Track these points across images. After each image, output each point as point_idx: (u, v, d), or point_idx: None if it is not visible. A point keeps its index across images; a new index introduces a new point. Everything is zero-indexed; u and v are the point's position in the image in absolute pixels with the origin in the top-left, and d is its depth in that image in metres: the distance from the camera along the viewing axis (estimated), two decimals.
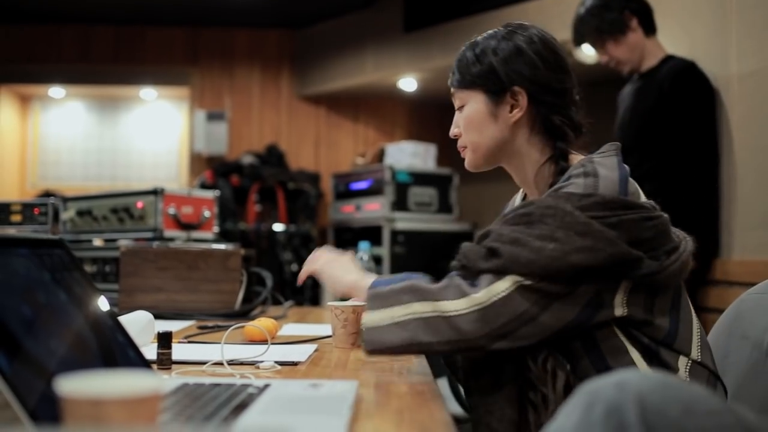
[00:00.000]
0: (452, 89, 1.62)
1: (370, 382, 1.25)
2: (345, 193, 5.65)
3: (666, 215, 1.41)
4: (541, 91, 1.51)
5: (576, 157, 1.53)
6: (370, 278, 1.48)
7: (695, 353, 1.39)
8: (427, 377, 1.32)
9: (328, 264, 1.61)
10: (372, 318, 1.35)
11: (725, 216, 2.88)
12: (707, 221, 2.89)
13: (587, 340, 1.35)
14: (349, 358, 1.55)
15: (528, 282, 1.28)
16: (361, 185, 5.49)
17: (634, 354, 1.35)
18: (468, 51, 1.59)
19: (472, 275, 1.35)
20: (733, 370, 1.48)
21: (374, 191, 5.35)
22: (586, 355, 1.35)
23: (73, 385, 0.61)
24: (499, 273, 1.31)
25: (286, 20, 6.15)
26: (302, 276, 1.65)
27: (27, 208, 2.86)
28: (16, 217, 2.85)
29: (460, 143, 1.62)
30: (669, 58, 2.99)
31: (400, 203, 5.28)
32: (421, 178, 5.40)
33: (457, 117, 1.61)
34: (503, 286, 1.29)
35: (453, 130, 1.62)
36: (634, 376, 0.83)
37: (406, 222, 5.25)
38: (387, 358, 1.47)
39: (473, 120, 1.56)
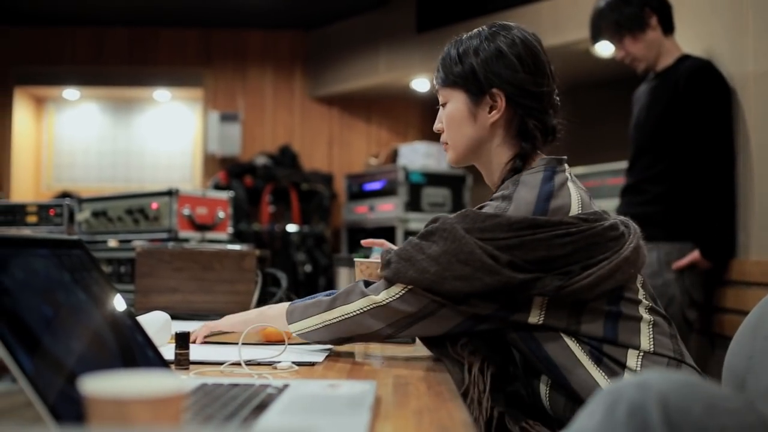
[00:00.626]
0: (436, 86, 1.66)
1: (388, 383, 1.25)
2: (358, 194, 5.65)
3: (597, 227, 1.42)
4: (519, 94, 1.54)
5: (536, 162, 1.56)
6: (282, 306, 1.64)
7: (646, 345, 1.42)
8: (445, 377, 1.32)
9: (228, 320, 1.75)
10: (295, 327, 1.56)
11: (742, 216, 2.86)
12: (724, 221, 2.87)
13: (526, 336, 1.44)
14: (366, 358, 1.55)
15: (416, 288, 1.42)
16: (375, 186, 5.49)
17: (575, 349, 1.41)
18: (452, 50, 1.62)
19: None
20: (759, 371, 1.47)
21: (387, 192, 5.35)
22: (524, 344, 1.45)
23: (97, 385, 0.61)
24: (390, 282, 1.46)
25: (298, 21, 6.16)
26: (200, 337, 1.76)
27: (42, 209, 2.87)
28: (32, 219, 2.86)
29: (442, 138, 1.66)
30: (685, 58, 2.97)
31: (414, 204, 5.27)
32: (434, 179, 5.39)
33: (441, 113, 1.65)
34: (396, 289, 1.45)
35: (437, 125, 1.66)
36: (656, 376, 0.82)
37: (419, 222, 5.24)
38: (403, 360, 1.58)
39: (454, 118, 1.60)
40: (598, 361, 1.39)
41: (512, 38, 1.56)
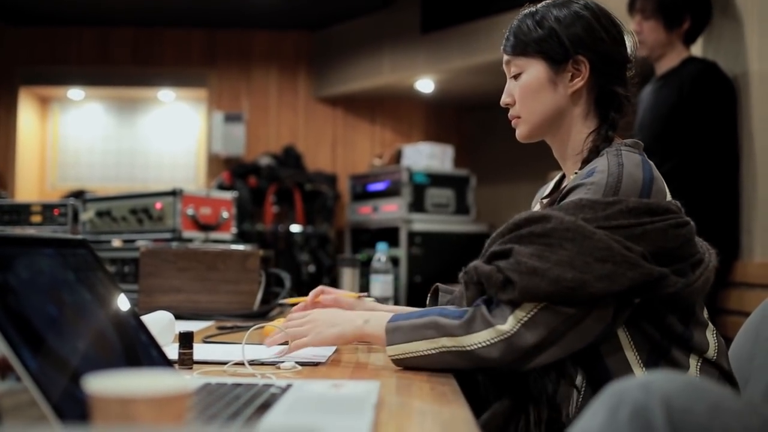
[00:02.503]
0: (506, 57, 1.57)
1: (391, 383, 1.25)
2: (362, 195, 5.66)
3: (692, 222, 1.37)
4: (603, 62, 1.49)
5: (616, 140, 1.50)
6: (379, 316, 1.46)
7: (712, 352, 1.38)
8: (448, 378, 1.32)
9: (315, 330, 1.48)
10: (396, 349, 1.36)
11: (745, 218, 2.86)
12: (727, 223, 2.87)
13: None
14: (369, 358, 1.55)
15: (548, 304, 1.27)
16: (379, 186, 5.49)
17: (629, 352, 1.34)
18: (528, 18, 1.54)
19: (493, 302, 1.34)
20: (761, 372, 1.46)
21: (391, 192, 5.35)
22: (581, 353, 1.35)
23: (101, 384, 0.62)
24: (518, 304, 1.29)
25: (303, 22, 6.16)
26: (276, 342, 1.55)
27: (47, 209, 2.88)
28: (36, 218, 2.87)
29: (512, 112, 1.57)
30: (690, 60, 2.97)
31: (418, 204, 5.27)
32: (438, 180, 5.39)
33: (510, 85, 1.57)
34: (525, 311, 1.28)
35: (505, 99, 1.58)
36: (660, 378, 0.82)
37: (423, 223, 5.24)
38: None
39: (531, 87, 1.52)
40: (654, 366, 1.33)
41: (590, 6, 1.51)
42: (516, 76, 1.56)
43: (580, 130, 1.52)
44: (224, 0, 5.72)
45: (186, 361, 1.40)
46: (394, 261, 4.96)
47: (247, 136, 6.08)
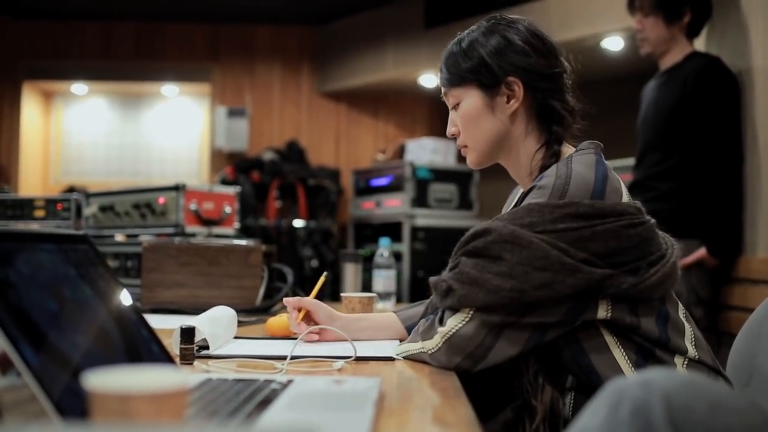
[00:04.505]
0: (443, 89, 1.61)
1: (392, 379, 1.25)
2: (365, 190, 5.65)
3: (653, 220, 1.39)
4: (535, 78, 1.50)
5: (566, 148, 1.52)
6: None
7: (692, 352, 1.39)
8: (449, 374, 1.32)
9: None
10: (398, 349, 1.50)
11: (749, 213, 2.85)
12: (731, 219, 2.87)
13: (568, 335, 1.37)
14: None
15: (484, 308, 1.32)
16: (382, 181, 5.49)
17: (617, 352, 1.35)
18: (455, 47, 1.58)
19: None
20: (764, 369, 1.46)
21: (394, 187, 5.35)
22: (567, 347, 1.38)
23: (100, 380, 0.62)
24: (457, 309, 1.35)
25: (306, 16, 6.16)
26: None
27: (50, 203, 2.88)
28: (40, 213, 2.87)
29: (459, 142, 1.60)
30: (694, 55, 2.96)
31: (421, 200, 5.27)
32: (441, 175, 5.39)
33: (453, 116, 1.60)
34: (462, 314, 1.34)
35: (450, 129, 1.61)
36: (660, 375, 0.82)
37: (426, 218, 5.24)
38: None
39: (471, 116, 1.55)
40: (642, 368, 1.34)
41: (515, 25, 1.54)
42: (455, 107, 1.59)
43: (527, 149, 1.54)
44: None
45: (187, 356, 1.40)
46: (397, 256, 4.96)
47: (250, 131, 6.08)
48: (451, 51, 1.58)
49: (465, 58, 1.54)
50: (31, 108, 6.39)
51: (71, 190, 5.62)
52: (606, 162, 1.44)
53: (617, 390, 0.82)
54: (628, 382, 0.82)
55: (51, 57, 6.25)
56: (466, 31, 1.58)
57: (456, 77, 1.56)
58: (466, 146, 1.59)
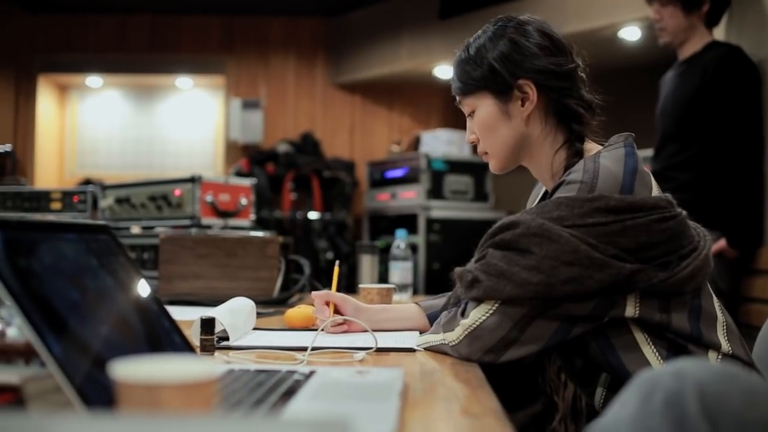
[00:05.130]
0: (457, 98, 1.59)
1: (414, 371, 1.24)
2: (380, 181, 5.64)
3: (683, 213, 1.36)
4: (548, 78, 1.48)
5: (590, 145, 1.50)
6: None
7: (726, 347, 1.36)
8: (472, 365, 1.30)
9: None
10: (419, 340, 1.48)
11: None
12: (751, 210, 2.84)
13: (596, 331, 1.35)
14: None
15: (509, 301, 1.30)
16: (397, 173, 5.47)
17: (646, 349, 1.33)
18: (463, 54, 1.56)
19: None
20: None
21: (410, 179, 5.33)
22: (596, 343, 1.36)
23: (128, 370, 0.61)
24: (481, 301, 1.34)
25: (321, 8, 6.14)
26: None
27: (66, 196, 2.89)
28: (56, 205, 2.88)
29: (480, 149, 1.59)
30: (714, 44, 2.93)
31: (436, 191, 5.25)
32: (456, 166, 5.36)
33: (470, 123, 1.58)
34: (487, 306, 1.33)
35: (469, 137, 1.59)
36: (693, 365, 0.80)
37: (441, 210, 5.22)
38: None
39: (487, 123, 1.53)
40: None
41: (521, 26, 1.51)
42: (471, 114, 1.57)
43: (548, 150, 1.52)
44: None
45: (208, 347, 1.39)
46: (413, 248, 4.93)
47: (264, 123, 6.07)
48: (459, 59, 1.57)
49: (474, 66, 1.52)
50: (46, 101, 6.40)
51: (88, 182, 5.63)
52: (637, 153, 1.41)
53: (649, 380, 0.80)
54: (661, 371, 0.81)
55: (66, 50, 6.26)
56: (473, 37, 1.56)
57: (467, 86, 1.54)
58: (486, 153, 1.58)
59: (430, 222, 5.16)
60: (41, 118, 6.29)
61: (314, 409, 0.88)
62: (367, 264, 2.86)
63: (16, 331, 0.94)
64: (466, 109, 1.58)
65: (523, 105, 1.49)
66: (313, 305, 1.76)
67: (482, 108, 1.53)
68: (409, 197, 5.30)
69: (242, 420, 0.51)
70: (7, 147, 4.31)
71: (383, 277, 3.07)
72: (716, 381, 0.78)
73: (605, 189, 1.31)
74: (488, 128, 1.53)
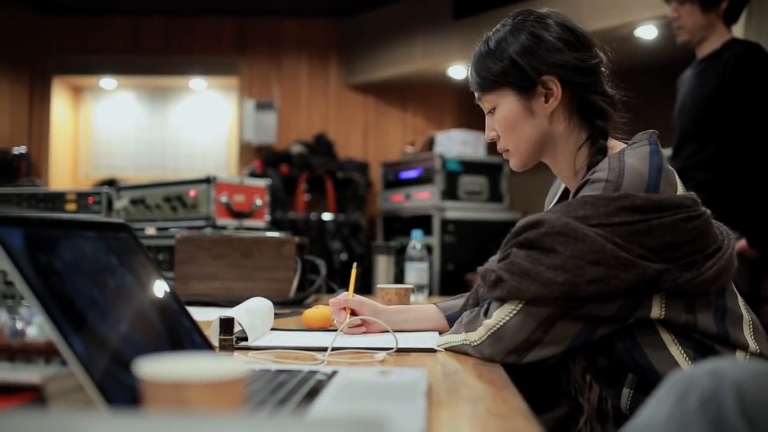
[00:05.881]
0: (477, 94, 1.55)
1: (437, 371, 1.22)
2: (394, 182, 5.62)
3: (708, 212, 1.33)
4: (572, 74, 1.45)
5: (612, 142, 1.47)
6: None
7: (753, 346, 1.34)
8: (495, 366, 1.29)
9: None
10: (439, 340, 1.47)
11: None
12: None
13: (622, 331, 1.33)
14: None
15: (533, 301, 1.28)
16: (411, 174, 5.46)
17: (674, 349, 1.31)
18: (482, 48, 1.52)
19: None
20: None
21: (424, 180, 5.32)
22: (621, 343, 1.34)
23: (154, 368, 0.59)
24: (505, 300, 1.32)
25: (333, 8, 6.13)
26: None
27: (81, 197, 2.88)
28: (71, 206, 2.87)
29: (500, 146, 1.55)
30: (733, 42, 2.90)
31: (450, 192, 5.23)
32: (471, 167, 5.34)
33: (490, 120, 1.54)
34: (511, 306, 1.30)
35: (489, 134, 1.55)
36: (730, 365, 0.78)
37: (456, 211, 5.20)
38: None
39: (509, 120, 1.49)
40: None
41: (542, 20, 1.48)
42: (492, 111, 1.53)
43: (571, 147, 1.49)
44: None
45: (226, 347, 1.38)
46: (427, 249, 4.92)
47: (278, 124, 6.07)
48: (479, 53, 1.52)
49: (494, 60, 1.48)
50: (60, 103, 6.42)
51: (109, 182, 5.63)
52: (661, 151, 1.39)
53: (684, 379, 0.78)
54: (696, 371, 0.79)
55: (80, 52, 6.27)
56: (492, 31, 1.52)
57: (488, 81, 1.50)
58: (507, 150, 1.54)
59: (445, 223, 5.14)
60: (55, 119, 6.31)
61: (340, 408, 0.86)
62: (383, 265, 2.84)
63: (37, 329, 0.93)
64: (486, 106, 1.54)
65: (546, 101, 1.46)
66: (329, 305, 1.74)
67: (504, 105, 1.49)
68: (424, 198, 5.28)
69: (276, 419, 0.50)
70: (22, 149, 4.31)
71: (398, 278, 3.05)
72: (754, 380, 0.76)
73: (631, 188, 1.29)
74: (510, 126, 1.49)
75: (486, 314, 1.35)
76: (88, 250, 0.93)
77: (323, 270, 2.62)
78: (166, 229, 2.89)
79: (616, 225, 1.25)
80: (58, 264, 0.83)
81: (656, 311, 1.29)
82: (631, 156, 1.35)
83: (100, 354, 0.78)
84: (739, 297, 1.41)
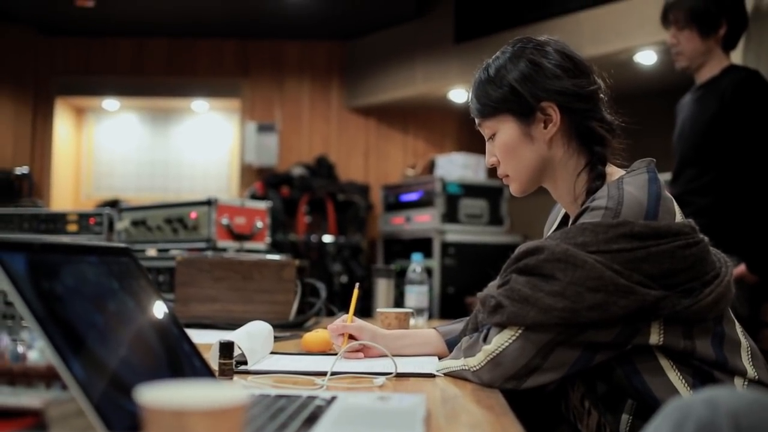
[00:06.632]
0: (477, 120, 1.57)
1: (435, 396, 1.23)
2: (395, 205, 5.63)
3: (706, 239, 1.34)
4: (570, 100, 1.46)
5: (611, 169, 1.48)
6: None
7: (751, 372, 1.34)
8: (493, 391, 1.29)
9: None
10: (438, 365, 1.48)
11: None
12: None
13: (621, 357, 1.33)
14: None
15: (532, 327, 1.28)
16: (412, 197, 5.47)
17: (672, 375, 1.31)
18: (482, 75, 1.54)
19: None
20: None
21: (424, 203, 5.33)
22: (620, 369, 1.34)
23: (155, 396, 0.60)
24: (504, 326, 1.32)
25: (335, 32, 6.17)
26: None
27: (83, 218, 2.89)
28: (72, 227, 2.89)
29: (500, 172, 1.57)
30: (732, 68, 2.92)
31: (451, 215, 5.24)
32: (471, 190, 5.36)
33: (490, 146, 1.56)
34: (509, 333, 1.31)
35: (489, 160, 1.57)
36: (726, 394, 0.79)
37: (456, 234, 5.21)
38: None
39: (508, 146, 1.51)
40: (701, 387, 1.30)
41: (541, 47, 1.50)
42: (492, 137, 1.55)
43: (570, 172, 1.51)
44: (257, 11, 5.74)
45: (226, 371, 1.38)
46: (427, 272, 4.92)
47: (279, 146, 6.09)
48: (479, 80, 1.54)
49: (494, 87, 1.50)
50: (63, 123, 6.45)
51: (109, 203, 5.64)
52: (660, 179, 1.40)
53: (680, 408, 0.79)
54: (692, 399, 0.79)
55: (83, 73, 6.31)
56: (492, 58, 1.54)
57: (488, 108, 1.52)
58: (507, 176, 1.56)
59: (445, 246, 5.15)
60: (58, 140, 6.34)
61: None
62: (383, 288, 2.84)
63: (37, 354, 0.94)
64: (486, 132, 1.56)
65: (545, 127, 1.48)
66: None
67: (503, 131, 1.51)
68: (424, 221, 5.29)
69: None
70: (24, 169, 4.33)
71: (398, 301, 3.06)
72: (750, 410, 0.77)
73: (630, 215, 1.30)
74: (510, 151, 1.51)
75: (485, 340, 1.36)
76: (89, 275, 0.93)
77: (323, 293, 2.62)
78: (166, 250, 2.90)
79: (615, 252, 1.26)
80: (59, 289, 0.83)
81: (655, 337, 1.29)
82: (629, 184, 1.36)
83: (101, 379, 0.79)
84: (737, 324, 1.41)
